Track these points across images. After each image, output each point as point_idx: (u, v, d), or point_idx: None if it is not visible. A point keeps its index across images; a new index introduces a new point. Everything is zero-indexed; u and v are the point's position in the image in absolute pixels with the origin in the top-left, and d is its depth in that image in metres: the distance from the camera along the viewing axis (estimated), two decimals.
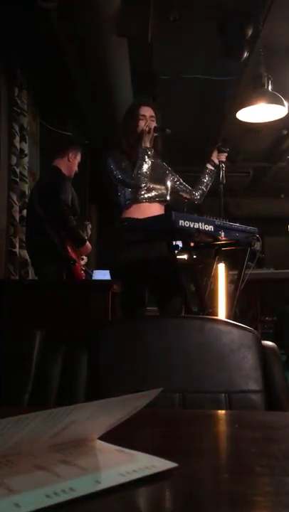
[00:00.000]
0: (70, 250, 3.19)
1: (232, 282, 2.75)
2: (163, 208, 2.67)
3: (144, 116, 2.60)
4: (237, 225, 2.46)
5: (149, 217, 2.48)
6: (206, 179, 2.83)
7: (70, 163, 3.37)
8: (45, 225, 3.13)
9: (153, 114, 2.62)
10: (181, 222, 2.22)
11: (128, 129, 2.61)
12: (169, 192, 2.68)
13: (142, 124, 2.59)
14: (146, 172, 2.53)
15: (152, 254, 2.51)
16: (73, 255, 3.20)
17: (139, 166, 2.53)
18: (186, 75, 4.42)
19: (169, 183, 2.69)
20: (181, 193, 2.79)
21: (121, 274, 2.58)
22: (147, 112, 2.61)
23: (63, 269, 3.16)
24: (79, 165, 3.45)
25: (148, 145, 2.57)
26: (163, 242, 2.56)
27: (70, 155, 3.36)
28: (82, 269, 3.33)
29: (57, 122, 4.50)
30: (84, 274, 3.31)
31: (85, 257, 3.55)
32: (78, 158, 3.42)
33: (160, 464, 0.46)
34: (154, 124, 2.59)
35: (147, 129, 2.57)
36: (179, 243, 2.46)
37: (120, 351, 1.08)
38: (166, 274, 2.54)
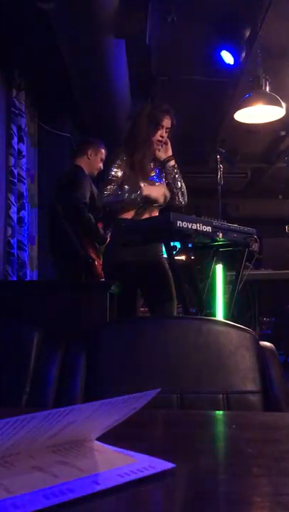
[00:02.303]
0: (88, 248, 3.14)
1: (230, 283, 2.75)
2: (157, 212, 2.66)
3: (162, 126, 2.57)
4: (235, 225, 2.47)
5: (147, 218, 2.48)
6: (171, 180, 2.69)
7: (91, 161, 3.29)
8: (64, 222, 3.10)
9: (169, 126, 2.59)
10: (179, 223, 2.22)
11: (144, 134, 2.55)
12: (164, 198, 2.66)
13: (158, 133, 2.56)
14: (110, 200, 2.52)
15: (144, 256, 2.51)
16: (92, 254, 3.17)
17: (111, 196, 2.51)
18: (184, 76, 4.42)
19: (164, 189, 2.67)
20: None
21: (113, 275, 2.58)
22: (167, 123, 2.58)
23: (82, 268, 3.13)
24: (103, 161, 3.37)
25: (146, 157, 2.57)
26: (156, 244, 2.56)
27: (90, 152, 3.30)
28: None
29: (55, 123, 4.50)
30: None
31: None
32: (100, 155, 3.33)
33: (158, 465, 0.46)
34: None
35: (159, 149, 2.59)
36: (177, 244, 2.46)
37: (118, 352, 1.08)
38: (157, 278, 2.54)
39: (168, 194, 2.61)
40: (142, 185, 2.54)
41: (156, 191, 2.54)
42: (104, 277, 2.69)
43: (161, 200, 2.57)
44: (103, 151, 3.36)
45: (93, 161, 3.30)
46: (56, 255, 3.32)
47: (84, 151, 3.32)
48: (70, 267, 3.16)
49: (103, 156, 3.34)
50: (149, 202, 2.54)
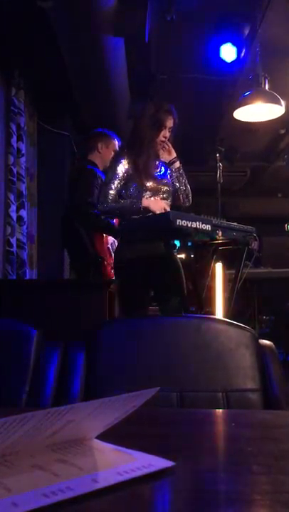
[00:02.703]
0: (98, 247, 3.09)
1: (230, 281, 2.76)
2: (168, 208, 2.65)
3: (165, 127, 2.56)
4: (234, 224, 2.47)
5: (146, 216, 2.47)
6: (176, 182, 2.69)
7: (102, 155, 3.13)
8: (75, 221, 3.07)
9: (172, 125, 2.58)
10: (179, 222, 2.22)
11: (148, 137, 2.54)
12: (172, 192, 2.66)
13: (161, 134, 2.56)
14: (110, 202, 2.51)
15: (153, 252, 2.50)
16: (101, 252, 3.10)
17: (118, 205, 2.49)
18: (183, 74, 4.41)
19: (164, 204, 2.66)
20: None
21: (121, 273, 2.57)
22: (170, 123, 2.57)
23: (90, 267, 3.07)
24: None
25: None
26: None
27: (100, 146, 3.17)
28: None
29: (54, 122, 4.50)
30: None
31: None
32: (113, 147, 3.16)
33: (157, 463, 0.46)
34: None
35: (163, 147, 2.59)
36: (177, 242, 2.46)
37: (118, 351, 1.08)
38: (166, 274, 2.54)
39: (168, 208, 2.58)
40: (148, 184, 2.54)
41: (156, 205, 2.50)
42: (114, 276, 2.67)
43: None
44: (115, 142, 3.20)
45: (105, 154, 3.13)
46: (69, 252, 3.30)
47: (94, 145, 3.19)
48: (81, 265, 3.15)
49: (116, 148, 3.16)
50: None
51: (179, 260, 2.53)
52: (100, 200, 2.56)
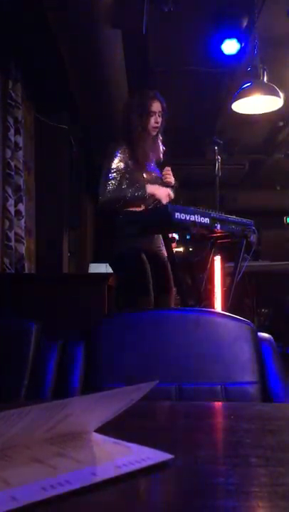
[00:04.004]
0: None
1: (228, 275, 2.76)
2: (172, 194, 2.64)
3: (154, 112, 2.57)
4: (233, 217, 2.47)
5: (145, 210, 2.47)
6: None
7: None
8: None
9: (161, 109, 2.59)
10: (177, 215, 2.22)
11: (138, 124, 2.55)
12: (168, 198, 2.64)
13: (152, 120, 2.56)
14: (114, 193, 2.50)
15: (144, 247, 2.50)
16: None
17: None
18: (181, 66, 4.39)
19: (169, 190, 2.65)
20: None
21: (122, 266, 2.56)
22: (157, 107, 2.58)
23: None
24: None
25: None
26: (155, 236, 2.55)
27: None
28: None
29: (52, 115, 4.47)
30: None
31: None
32: None
33: (156, 456, 0.46)
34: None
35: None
36: (176, 236, 2.46)
37: (117, 344, 1.09)
38: (164, 267, 2.54)
39: (172, 194, 2.58)
40: (144, 176, 2.54)
41: (161, 192, 2.50)
42: (112, 269, 2.66)
43: (165, 200, 2.51)
44: None
45: None
46: None
47: None
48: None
49: None
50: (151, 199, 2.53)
51: (174, 253, 2.53)
52: (100, 191, 2.53)
